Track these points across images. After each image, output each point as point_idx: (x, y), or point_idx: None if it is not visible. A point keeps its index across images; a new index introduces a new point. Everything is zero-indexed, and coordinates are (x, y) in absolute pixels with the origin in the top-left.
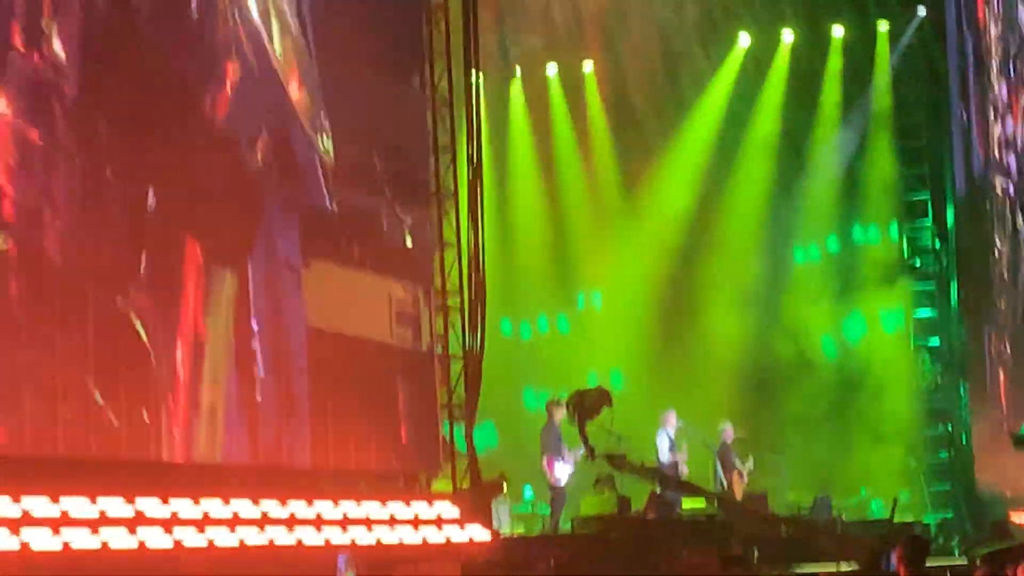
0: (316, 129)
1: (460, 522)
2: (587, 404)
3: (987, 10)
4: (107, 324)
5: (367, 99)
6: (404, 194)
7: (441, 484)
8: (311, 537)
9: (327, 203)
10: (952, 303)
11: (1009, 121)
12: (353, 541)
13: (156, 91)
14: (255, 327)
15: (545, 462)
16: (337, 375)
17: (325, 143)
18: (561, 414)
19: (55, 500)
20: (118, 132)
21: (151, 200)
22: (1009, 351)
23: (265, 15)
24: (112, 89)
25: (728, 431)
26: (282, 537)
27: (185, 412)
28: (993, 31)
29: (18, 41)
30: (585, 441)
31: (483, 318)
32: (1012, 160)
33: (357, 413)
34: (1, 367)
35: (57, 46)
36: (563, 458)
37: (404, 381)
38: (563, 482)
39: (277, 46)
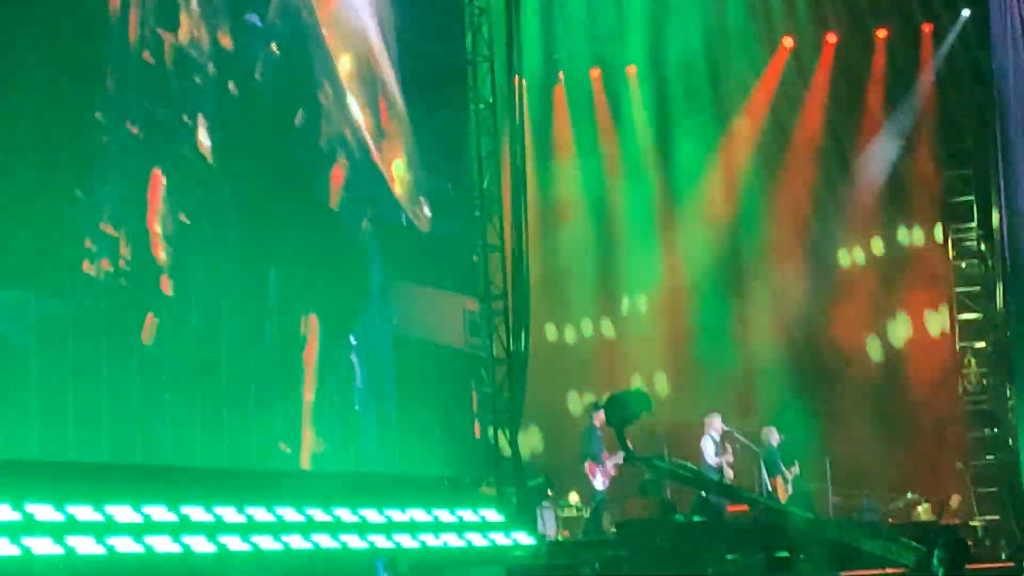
0: (414, 203)
1: (505, 526)
2: (626, 408)
3: None
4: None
5: (438, 128)
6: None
7: (487, 489)
8: (355, 542)
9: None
10: (998, 306)
11: None
12: (399, 546)
13: (278, 179)
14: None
15: (587, 466)
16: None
17: (422, 213)
18: (601, 418)
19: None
20: (246, 216)
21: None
22: None
23: (365, 107)
24: (242, 176)
25: (773, 435)
26: (326, 542)
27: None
28: None
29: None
30: (624, 445)
31: (527, 322)
32: None
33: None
34: None
35: (202, 135)
36: (604, 462)
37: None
38: (605, 485)
39: (377, 133)
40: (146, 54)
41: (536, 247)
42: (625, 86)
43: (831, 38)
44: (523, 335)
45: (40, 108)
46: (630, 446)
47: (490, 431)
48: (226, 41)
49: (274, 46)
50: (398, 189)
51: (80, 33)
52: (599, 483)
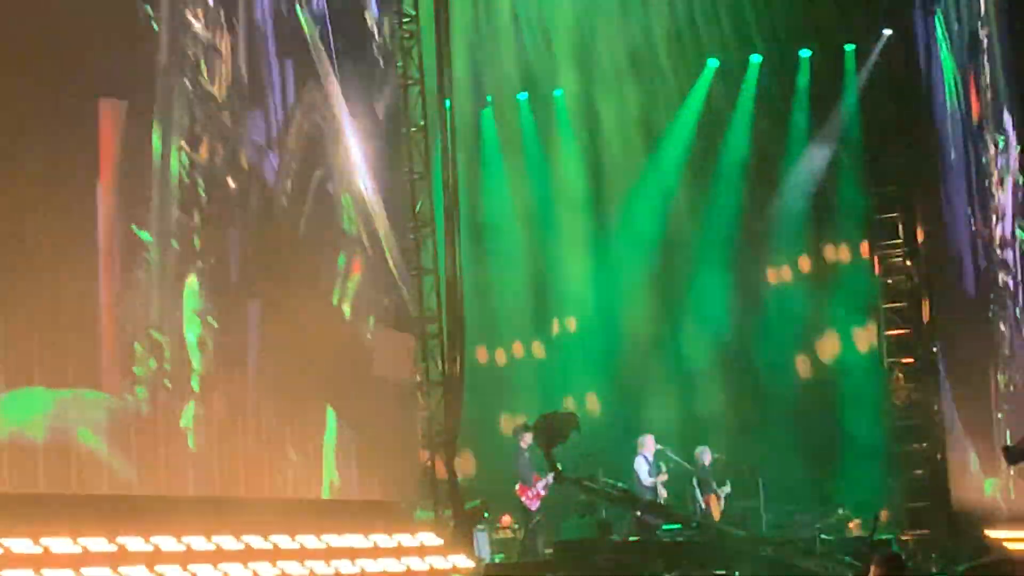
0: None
1: (443, 551)
2: (554, 428)
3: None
4: None
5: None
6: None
7: (423, 513)
8: (294, 569)
9: None
10: (924, 321)
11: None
12: (337, 572)
13: (292, 281)
14: None
15: (518, 488)
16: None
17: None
18: (529, 439)
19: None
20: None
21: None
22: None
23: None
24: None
25: (705, 453)
26: (265, 570)
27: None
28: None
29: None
30: (553, 466)
31: (462, 344)
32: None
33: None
34: None
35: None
36: (535, 484)
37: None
38: (537, 507)
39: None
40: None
41: (467, 269)
42: (553, 108)
43: (755, 58)
44: (458, 358)
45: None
46: (559, 467)
47: (426, 455)
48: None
49: None
50: None
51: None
52: (531, 504)
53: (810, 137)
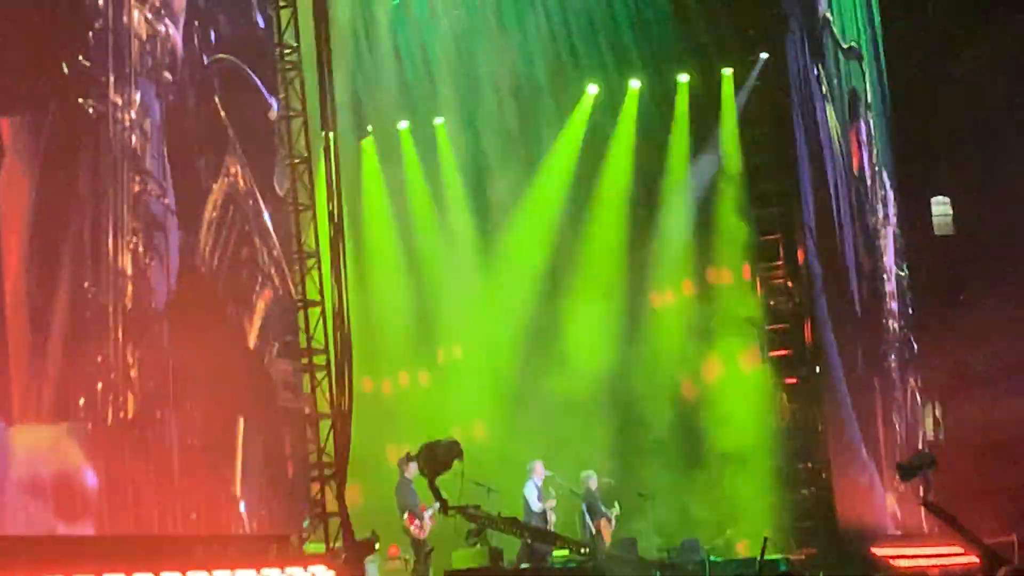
0: None
1: None
2: (437, 457)
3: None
4: None
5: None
6: None
7: (313, 546)
8: None
9: None
10: (807, 341)
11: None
12: None
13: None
14: None
15: (405, 518)
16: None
17: None
18: (414, 469)
19: None
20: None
21: None
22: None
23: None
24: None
25: (591, 478)
26: None
27: None
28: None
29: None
30: (437, 495)
31: (350, 376)
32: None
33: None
34: None
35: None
36: (421, 513)
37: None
38: (425, 536)
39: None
40: None
41: (352, 300)
42: (435, 137)
43: (634, 84)
44: (347, 389)
45: None
46: (444, 496)
47: (316, 487)
48: None
49: None
50: None
51: None
52: (420, 534)
53: (690, 160)
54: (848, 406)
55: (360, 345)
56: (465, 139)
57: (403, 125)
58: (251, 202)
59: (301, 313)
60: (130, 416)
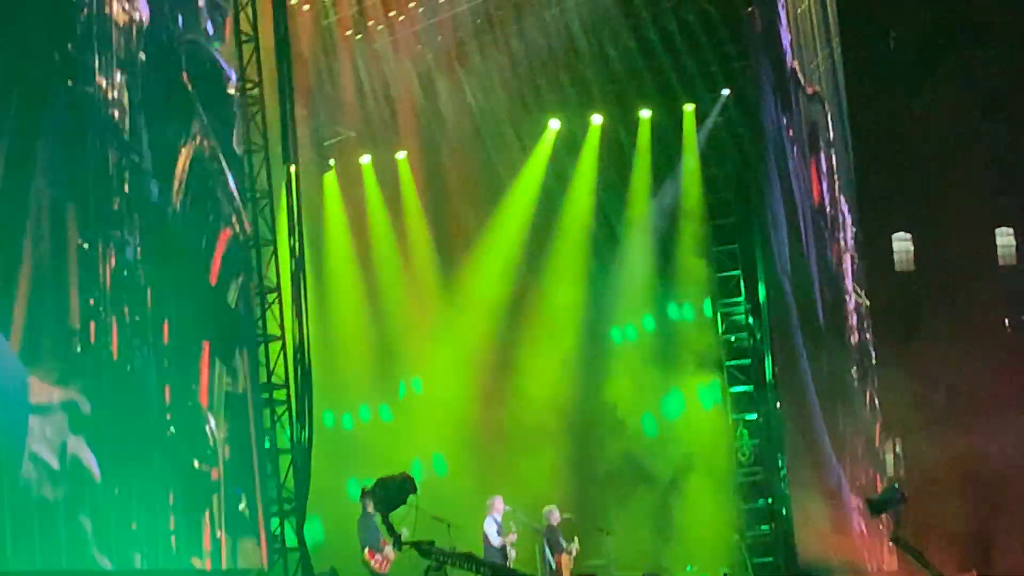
0: None
1: None
2: (390, 492)
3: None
4: None
5: None
6: None
7: None
8: None
9: None
10: (767, 377)
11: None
12: None
13: None
14: None
15: (366, 554)
16: None
17: None
18: (371, 505)
19: None
20: None
21: None
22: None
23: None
24: None
25: (554, 513)
26: None
27: None
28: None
29: None
30: (390, 530)
31: (310, 411)
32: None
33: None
34: None
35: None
36: (382, 548)
37: None
38: (385, 571)
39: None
40: None
41: (312, 333)
42: (397, 171)
43: (596, 119)
44: (307, 424)
45: None
46: (399, 531)
47: (276, 522)
48: None
49: None
50: None
51: None
52: (380, 568)
53: (652, 196)
54: (821, 434)
55: (321, 379)
56: (427, 173)
57: (365, 160)
58: (215, 163)
59: (262, 348)
60: None
